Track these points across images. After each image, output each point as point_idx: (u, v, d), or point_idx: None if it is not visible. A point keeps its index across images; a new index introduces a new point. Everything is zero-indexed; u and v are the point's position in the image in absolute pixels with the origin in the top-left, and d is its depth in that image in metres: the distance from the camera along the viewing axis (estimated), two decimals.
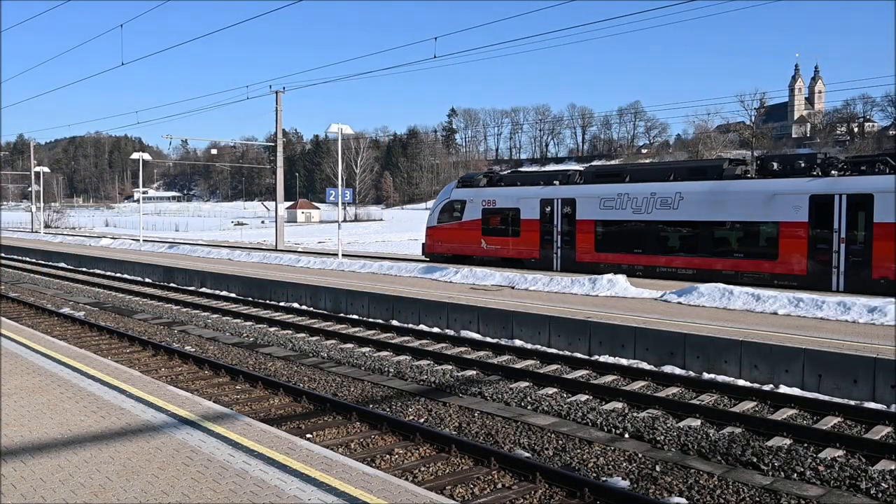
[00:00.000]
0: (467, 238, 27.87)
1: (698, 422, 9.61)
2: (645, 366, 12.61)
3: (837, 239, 18.82)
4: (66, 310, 20.42)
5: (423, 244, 30.27)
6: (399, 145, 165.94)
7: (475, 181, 29.18)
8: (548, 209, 25.23)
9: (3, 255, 43.39)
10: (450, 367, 12.99)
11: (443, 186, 45.67)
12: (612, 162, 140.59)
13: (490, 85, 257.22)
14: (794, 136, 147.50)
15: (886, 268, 18.00)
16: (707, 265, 21.14)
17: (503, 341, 14.89)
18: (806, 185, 19.52)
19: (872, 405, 10.12)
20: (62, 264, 36.14)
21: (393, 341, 15.18)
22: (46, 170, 75.96)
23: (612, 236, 23.64)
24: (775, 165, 20.83)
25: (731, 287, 16.32)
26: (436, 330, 16.29)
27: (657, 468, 8.04)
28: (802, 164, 20.26)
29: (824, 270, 19.05)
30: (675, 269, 21.94)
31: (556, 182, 25.64)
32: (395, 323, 17.32)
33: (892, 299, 14.31)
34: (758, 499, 7.22)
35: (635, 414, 10.03)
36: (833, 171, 19.46)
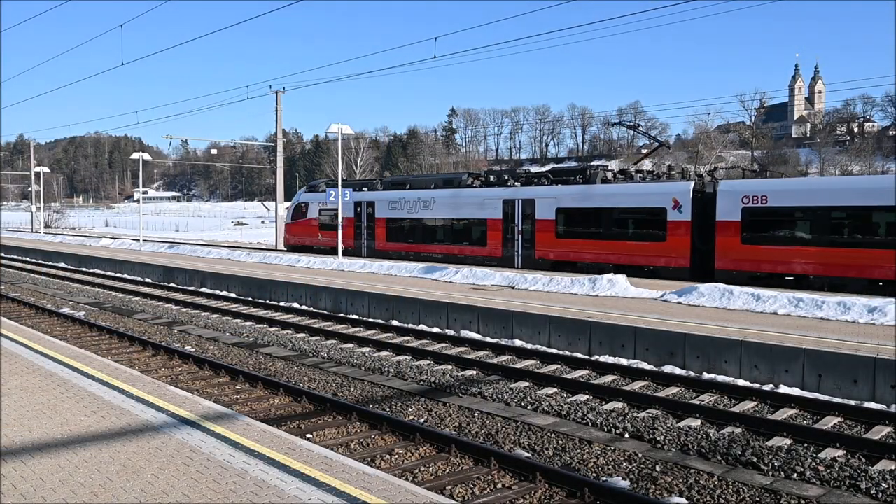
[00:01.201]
0: (310, 232, 35.23)
1: (698, 422, 9.61)
2: (645, 366, 12.61)
3: (517, 230, 26.47)
4: (66, 310, 20.42)
5: (284, 237, 37.54)
6: (399, 145, 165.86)
7: (316, 188, 36.83)
8: (358, 209, 32.49)
9: (3, 255, 43.39)
10: (450, 367, 12.99)
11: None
12: (612, 162, 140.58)
13: (490, 85, 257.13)
14: (794, 136, 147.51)
15: (544, 251, 25.73)
16: (448, 251, 28.63)
17: (503, 341, 14.89)
18: (500, 192, 27.31)
19: (872, 405, 10.12)
20: (62, 264, 36.14)
21: (393, 341, 15.18)
22: (46, 170, 75.96)
23: (397, 230, 30.97)
24: (491, 178, 29.81)
25: (732, 287, 16.33)
26: (436, 330, 16.29)
27: (657, 468, 8.04)
28: (505, 178, 28.67)
29: (510, 253, 26.65)
30: (431, 255, 29.03)
31: (365, 188, 33.49)
32: (395, 323, 17.32)
33: (892, 299, 14.32)
34: (758, 499, 7.22)
35: (635, 414, 10.03)
36: (516, 183, 27.57)
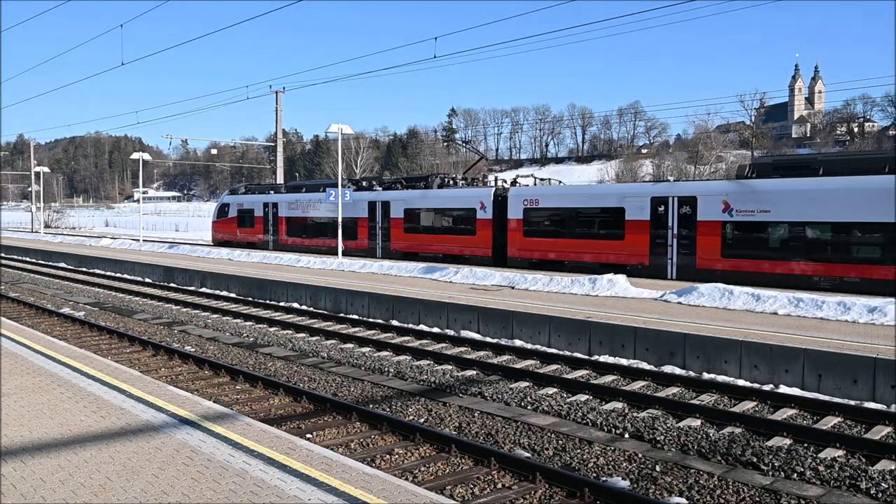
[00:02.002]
0: (231, 229, 41.11)
1: (698, 422, 9.61)
2: (645, 366, 12.61)
3: (378, 227, 31.82)
4: (66, 310, 20.43)
5: (211, 234, 43.75)
6: (399, 145, 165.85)
7: (236, 191, 43.94)
8: (266, 210, 38.49)
9: (3, 255, 43.39)
10: (450, 367, 12.99)
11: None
12: (611, 162, 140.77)
13: (490, 85, 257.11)
14: (794, 136, 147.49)
15: (397, 244, 30.90)
16: (330, 244, 32.96)
17: (503, 341, 14.89)
18: (366, 195, 32.66)
19: (872, 405, 10.13)
20: (62, 264, 36.14)
21: (393, 341, 15.18)
22: (46, 170, 75.96)
23: (296, 227, 36.79)
24: (363, 183, 35.39)
25: (732, 287, 16.34)
26: (436, 330, 16.29)
27: (657, 468, 8.04)
28: (373, 184, 34.56)
29: (374, 245, 32.06)
30: (320, 247, 34.75)
31: (272, 192, 39.64)
32: (395, 323, 17.32)
33: (892, 299, 14.32)
34: (758, 499, 7.22)
35: (635, 414, 10.03)
36: (379, 188, 33.26)
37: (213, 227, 43.19)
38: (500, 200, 27.18)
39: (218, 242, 41.70)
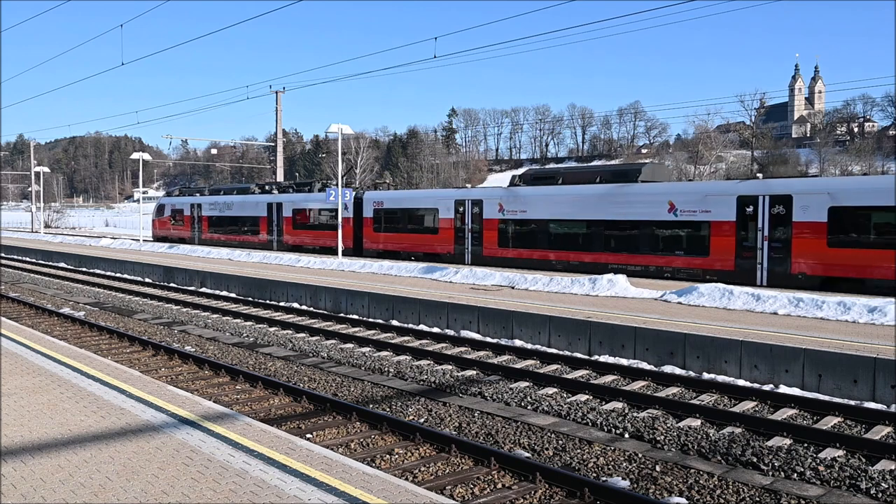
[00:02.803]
0: (166, 226, 48.71)
1: (698, 422, 9.61)
2: (645, 366, 12.61)
3: (275, 224, 38.37)
4: (66, 310, 20.42)
5: (152, 230, 51.14)
6: (399, 145, 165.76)
7: (171, 193, 54.17)
8: (192, 210, 45.47)
9: (3, 255, 43.39)
10: (450, 367, 12.99)
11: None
12: (613, 161, 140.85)
13: (490, 85, 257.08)
14: (794, 136, 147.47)
15: (287, 238, 37.32)
16: (246, 239, 40.22)
17: (503, 341, 14.89)
18: (265, 198, 39.57)
19: (872, 405, 10.12)
20: (62, 264, 36.15)
21: (393, 341, 15.18)
22: (46, 170, 75.98)
23: (216, 224, 43.43)
24: (266, 188, 41.94)
25: (732, 287, 16.34)
26: (436, 330, 16.29)
27: (657, 468, 8.04)
28: (273, 187, 40.97)
29: (271, 239, 38.39)
30: (238, 242, 40.37)
31: (198, 194, 47.71)
32: (395, 323, 17.32)
33: (892, 299, 14.32)
34: (758, 499, 7.22)
35: (635, 414, 10.03)
36: (276, 191, 40.13)
37: (152, 224, 50.97)
38: (360, 201, 33.58)
39: (156, 238, 49.75)
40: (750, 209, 20.87)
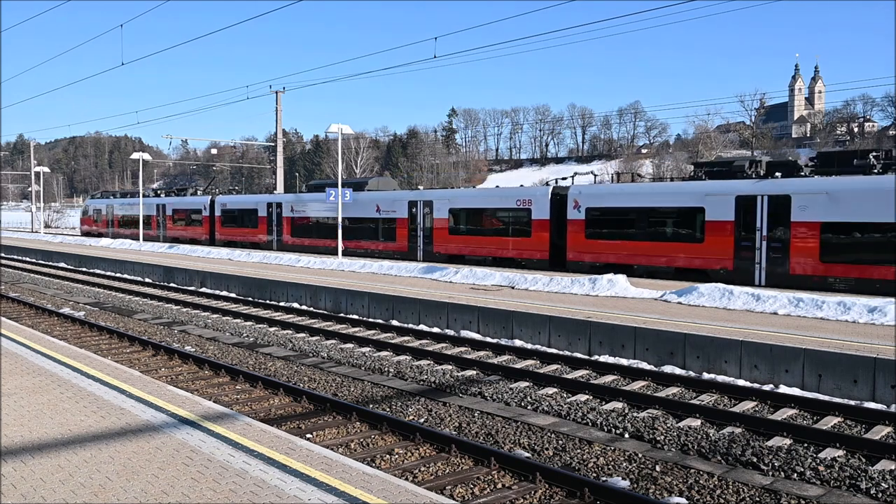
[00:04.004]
0: (90, 223, 58.97)
1: (698, 422, 9.61)
2: (645, 366, 12.61)
3: (161, 222, 48.52)
4: (66, 310, 20.42)
5: (80, 228, 61.89)
6: (399, 145, 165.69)
7: (95, 196, 64.43)
8: (108, 210, 56.12)
9: (3, 255, 43.39)
10: (450, 367, 12.99)
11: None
12: (611, 162, 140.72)
13: (490, 85, 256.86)
14: (794, 136, 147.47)
15: (169, 233, 47.56)
16: (135, 233, 48.37)
17: (503, 341, 14.89)
18: (155, 200, 49.94)
19: (872, 405, 10.12)
20: (62, 264, 36.15)
21: (393, 341, 15.18)
22: (46, 170, 76.02)
23: (124, 222, 53.09)
24: (160, 192, 55.42)
25: (732, 287, 16.35)
26: (436, 330, 16.29)
27: (657, 468, 8.04)
28: (160, 192, 54.71)
29: (159, 234, 48.55)
30: (135, 236, 48.61)
31: (111, 197, 58.64)
32: (395, 323, 17.32)
33: (892, 299, 14.32)
34: (758, 499, 7.22)
35: (635, 414, 10.03)
36: (161, 194, 53.52)
37: (81, 222, 62.50)
38: (211, 204, 44.42)
39: (83, 233, 60.14)
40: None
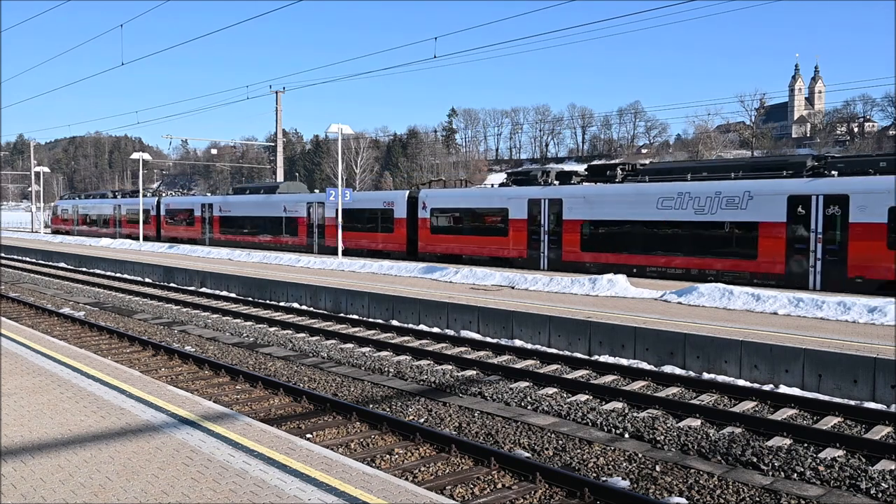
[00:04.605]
0: (58, 223, 66.58)
1: (698, 422, 9.61)
2: (645, 366, 12.61)
3: (117, 220, 55.53)
4: (66, 310, 20.42)
5: (52, 226, 69.99)
6: (399, 145, 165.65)
7: (63, 197, 76.48)
8: (74, 210, 63.12)
9: (3, 255, 43.38)
10: (450, 367, 12.99)
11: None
12: (613, 161, 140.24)
13: (490, 85, 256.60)
14: (794, 136, 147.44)
15: (131, 230, 52.35)
16: (96, 230, 56.68)
17: (503, 341, 14.89)
18: (114, 201, 57.58)
19: (872, 405, 10.12)
20: (62, 264, 36.15)
21: (393, 341, 15.18)
22: (46, 170, 76.19)
23: (86, 220, 60.30)
24: (118, 195, 61.35)
25: (732, 287, 16.35)
26: (436, 330, 16.29)
27: (657, 468, 8.04)
28: (117, 195, 62.61)
29: (116, 231, 55.30)
30: (100, 233, 55.81)
31: (77, 198, 66.96)
32: (395, 323, 17.32)
33: (893, 299, 14.32)
34: (758, 499, 7.22)
35: (635, 414, 10.03)
36: (118, 196, 61.29)
37: (51, 221, 71.88)
38: (158, 204, 49.90)
39: (54, 231, 67.84)
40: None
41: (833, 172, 19.98)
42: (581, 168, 28.71)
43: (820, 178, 19.78)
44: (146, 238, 47.48)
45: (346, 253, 30.74)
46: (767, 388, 11.06)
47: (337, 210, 29.61)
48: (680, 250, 22.05)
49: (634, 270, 22.67)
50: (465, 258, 28.34)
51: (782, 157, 31.65)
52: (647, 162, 37.18)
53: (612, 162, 35.81)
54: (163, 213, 48.98)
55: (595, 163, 34.76)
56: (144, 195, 52.15)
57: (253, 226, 40.44)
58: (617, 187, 24.28)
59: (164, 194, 57.28)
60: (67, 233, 62.31)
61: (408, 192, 32.14)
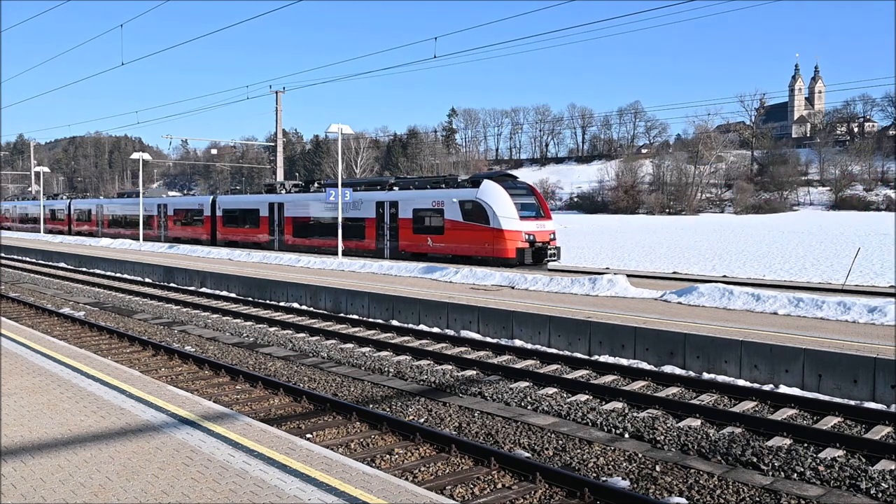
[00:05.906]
0: (3, 220, 76.13)
1: (698, 422, 9.61)
2: (645, 366, 12.61)
3: (100, 218, 58.34)
4: (66, 310, 20.42)
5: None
6: (399, 145, 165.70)
7: (11, 200, 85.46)
8: (24, 211, 73.43)
9: (3, 255, 43.39)
10: (450, 367, 12.99)
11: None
12: (611, 162, 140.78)
13: (490, 85, 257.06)
14: (794, 136, 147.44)
15: (106, 230, 57.22)
16: (56, 225, 65.68)
17: (503, 341, 14.89)
18: (91, 202, 63.47)
19: (872, 405, 10.12)
20: (62, 264, 36.14)
21: (393, 341, 15.17)
22: (46, 170, 76.19)
23: (79, 219, 63.87)
24: (60, 197, 77.18)
25: (732, 287, 16.34)
26: (436, 330, 16.28)
27: (657, 468, 8.04)
28: (64, 197, 75.26)
29: (68, 227, 64.32)
30: (58, 229, 64.05)
31: (25, 199, 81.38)
32: (395, 323, 17.32)
33: (893, 299, 14.32)
34: (758, 499, 7.22)
35: (635, 414, 10.03)
36: (65, 197, 73.06)
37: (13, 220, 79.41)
38: (213, 205, 49.34)
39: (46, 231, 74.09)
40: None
41: (396, 188, 32.19)
42: (274, 182, 42.29)
43: (389, 191, 31.75)
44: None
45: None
46: (767, 388, 11.05)
47: (224, 209, 42.89)
48: (333, 235, 30.47)
49: (316, 249, 33.83)
50: (240, 243, 40.26)
51: (380, 179, 45.65)
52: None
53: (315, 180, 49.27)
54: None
55: (297, 181, 45.78)
56: (85, 197, 60.16)
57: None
58: (308, 195, 36.48)
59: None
60: (9, 228, 69.19)
61: (211, 197, 45.46)
